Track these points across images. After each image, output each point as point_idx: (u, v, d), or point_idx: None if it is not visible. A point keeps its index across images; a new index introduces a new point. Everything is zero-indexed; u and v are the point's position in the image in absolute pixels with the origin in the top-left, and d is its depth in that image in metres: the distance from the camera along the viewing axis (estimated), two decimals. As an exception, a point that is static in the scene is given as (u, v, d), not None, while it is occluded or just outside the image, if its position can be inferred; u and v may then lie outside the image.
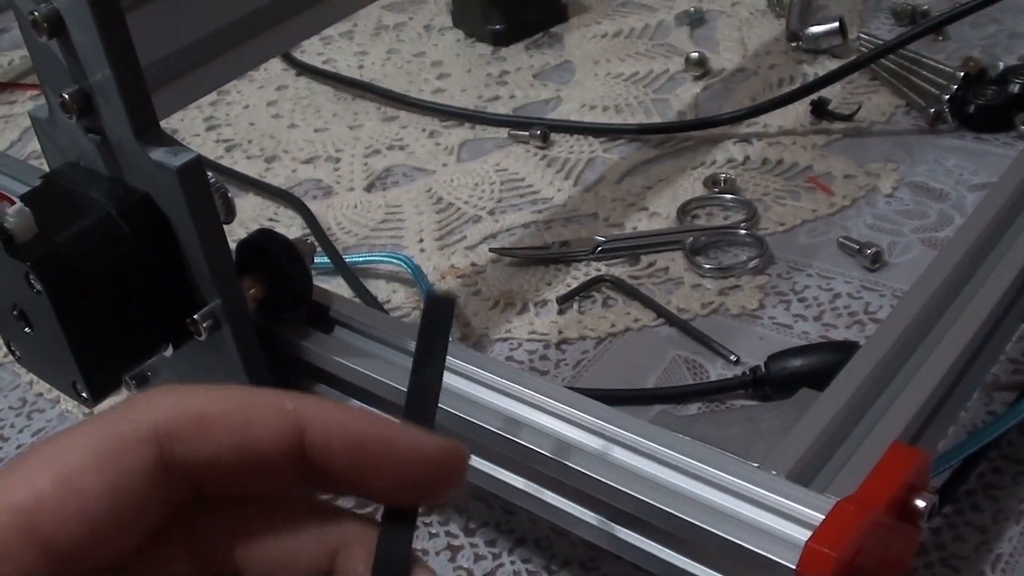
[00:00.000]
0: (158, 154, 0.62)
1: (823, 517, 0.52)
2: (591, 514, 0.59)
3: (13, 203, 0.61)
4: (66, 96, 0.62)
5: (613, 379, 0.80)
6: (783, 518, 0.53)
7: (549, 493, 0.61)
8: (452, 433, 0.63)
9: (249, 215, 1.03)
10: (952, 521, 0.68)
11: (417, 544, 0.71)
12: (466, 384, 0.64)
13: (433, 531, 0.72)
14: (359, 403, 0.69)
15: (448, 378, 0.65)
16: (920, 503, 0.55)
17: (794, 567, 0.51)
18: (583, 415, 0.60)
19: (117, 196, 0.64)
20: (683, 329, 0.84)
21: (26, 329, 0.64)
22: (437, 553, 0.70)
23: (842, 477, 0.56)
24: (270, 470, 0.34)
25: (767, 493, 0.54)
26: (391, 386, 0.65)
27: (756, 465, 0.57)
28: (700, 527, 0.54)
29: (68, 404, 0.86)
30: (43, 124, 0.67)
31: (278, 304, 0.70)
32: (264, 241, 0.70)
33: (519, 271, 0.93)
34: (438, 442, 0.36)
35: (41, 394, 0.88)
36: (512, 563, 0.69)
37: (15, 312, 0.65)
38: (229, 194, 0.66)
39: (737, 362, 0.80)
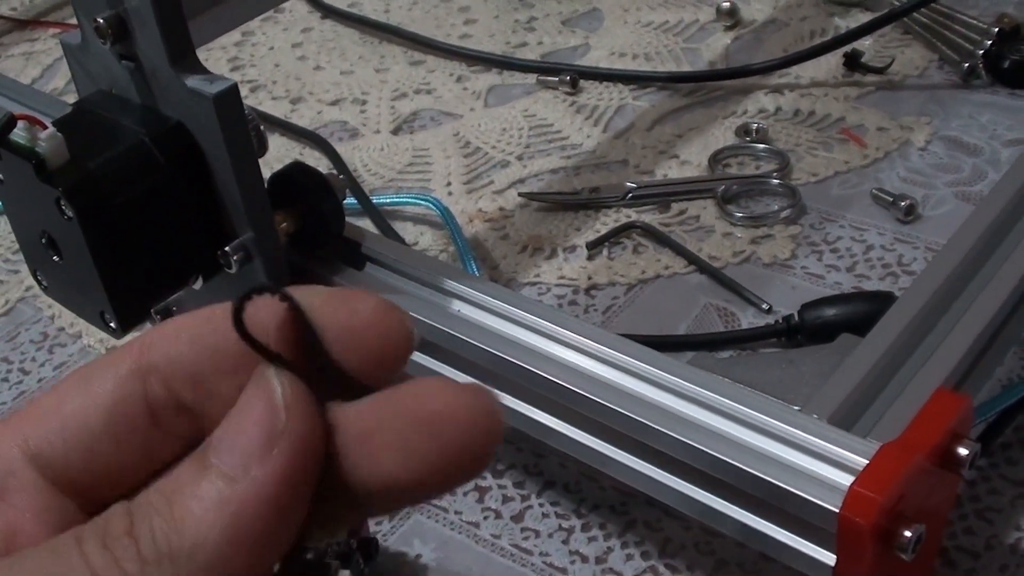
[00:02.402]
0: (194, 81, 0.60)
1: (866, 461, 0.52)
2: (628, 455, 0.59)
3: (45, 127, 0.60)
4: (101, 20, 0.61)
5: (643, 325, 0.80)
6: (825, 462, 0.53)
7: (584, 434, 0.60)
8: (483, 370, 0.63)
9: (274, 155, 1.02)
10: (987, 474, 0.68)
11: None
12: (499, 322, 0.63)
13: (461, 472, 0.71)
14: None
15: (482, 316, 0.64)
16: (963, 451, 0.54)
17: (837, 510, 0.50)
18: (622, 356, 0.59)
19: (150, 123, 0.63)
20: (714, 277, 0.83)
21: (54, 258, 0.64)
22: (465, 494, 0.70)
23: (884, 422, 0.55)
24: (225, 385, 0.32)
25: (809, 436, 0.53)
26: (424, 322, 0.64)
27: (797, 408, 0.56)
28: (742, 469, 0.53)
29: (90, 339, 0.85)
30: (74, 51, 0.66)
31: (309, 239, 0.69)
32: (297, 175, 0.69)
33: (548, 216, 0.92)
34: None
35: (63, 328, 0.87)
36: (541, 505, 0.69)
37: (44, 240, 0.64)
38: (262, 127, 0.65)
39: (769, 311, 0.79)
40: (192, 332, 0.32)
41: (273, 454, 0.29)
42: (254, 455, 0.29)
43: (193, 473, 0.29)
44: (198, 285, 0.67)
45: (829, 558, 0.52)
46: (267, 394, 0.29)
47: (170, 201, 0.62)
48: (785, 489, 0.52)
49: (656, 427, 0.56)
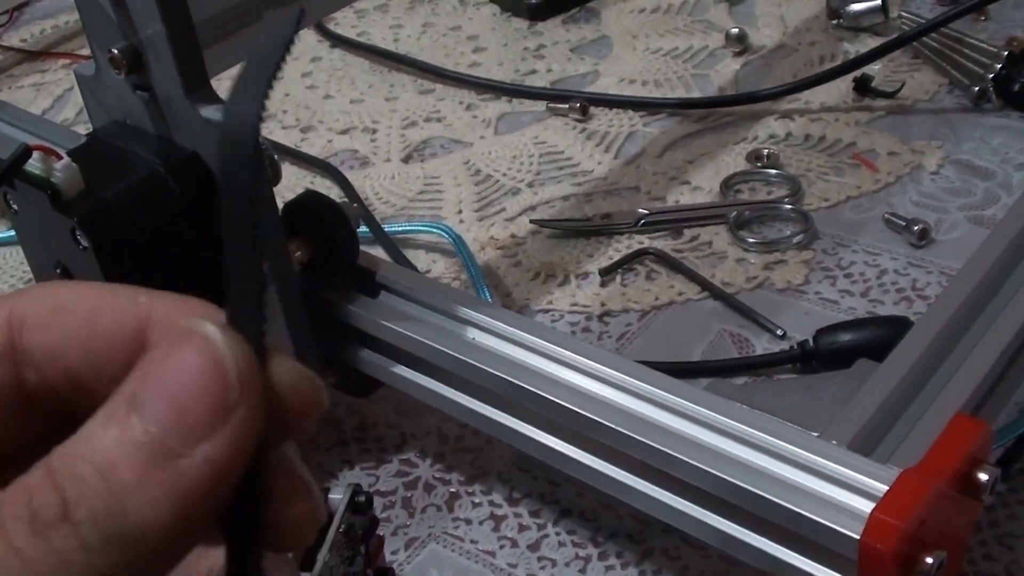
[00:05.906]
0: (209, 111, 0.61)
1: (887, 487, 0.51)
2: (646, 484, 0.58)
3: (60, 158, 0.60)
4: (115, 52, 0.61)
5: (658, 352, 0.79)
6: (846, 488, 0.52)
7: (602, 462, 0.60)
8: (500, 398, 0.63)
9: (285, 184, 1.02)
10: (1006, 500, 0.67)
11: (460, 513, 0.70)
12: (515, 350, 0.63)
13: (476, 500, 0.71)
14: (406, 369, 0.68)
15: (498, 343, 0.64)
16: (983, 476, 0.54)
17: (858, 537, 0.50)
18: (639, 383, 0.59)
19: (165, 153, 0.63)
20: (728, 303, 0.83)
21: (70, 288, 0.64)
22: (481, 523, 0.69)
23: (903, 448, 0.55)
24: (112, 368, 0.30)
25: (829, 463, 0.53)
26: (438, 350, 0.64)
27: (816, 435, 0.56)
28: (762, 496, 0.53)
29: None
30: (88, 81, 0.67)
31: (324, 268, 0.69)
32: (311, 203, 0.69)
33: (560, 243, 0.92)
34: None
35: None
36: (557, 534, 0.68)
37: (58, 271, 0.64)
38: (275, 156, 0.66)
39: (784, 336, 0.79)
40: (76, 320, 0.30)
41: (225, 430, 0.26)
42: (201, 428, 0.26)
43: (120, 440, 0.26)
44: (213, 315, 0.67)
45: (850, 585, 0.52)
46: (213, 358, 0.27)
47: (185, 230, 0.62)
48: (805, 516, 0.52)
49: (675, 455, 0.55)
